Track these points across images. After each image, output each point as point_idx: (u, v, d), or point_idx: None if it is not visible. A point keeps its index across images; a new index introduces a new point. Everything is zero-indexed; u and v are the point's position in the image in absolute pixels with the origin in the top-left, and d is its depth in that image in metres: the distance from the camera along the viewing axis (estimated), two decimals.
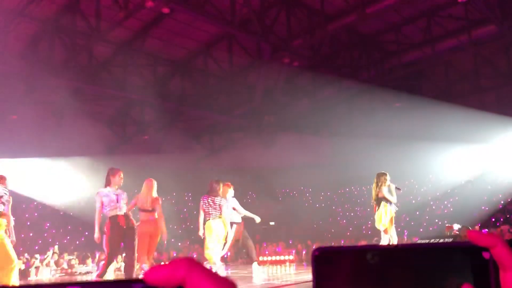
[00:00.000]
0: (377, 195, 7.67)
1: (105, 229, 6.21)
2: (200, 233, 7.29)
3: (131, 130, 16.00)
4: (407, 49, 14.45)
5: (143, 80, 13.57)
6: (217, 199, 7.29)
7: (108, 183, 6.37)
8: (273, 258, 14.17)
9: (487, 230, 11.12)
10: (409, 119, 14.55)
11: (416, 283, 0.37)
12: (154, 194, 6.80)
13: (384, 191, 7.60)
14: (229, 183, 7.80)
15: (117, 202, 6.25)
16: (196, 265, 0.33)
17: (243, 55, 13.96)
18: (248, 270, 9.72)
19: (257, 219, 7.80)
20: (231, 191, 7.75)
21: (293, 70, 14.63)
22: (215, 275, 0.34)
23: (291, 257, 14.18)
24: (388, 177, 7.78)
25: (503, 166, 15.17)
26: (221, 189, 7.44)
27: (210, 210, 7.26)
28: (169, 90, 14.44)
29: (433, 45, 13.81)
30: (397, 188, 7.80)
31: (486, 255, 0.38)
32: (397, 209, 7.69)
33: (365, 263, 0.38)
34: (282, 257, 14.18)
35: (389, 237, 7.65)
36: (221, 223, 7.24)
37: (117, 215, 6.19)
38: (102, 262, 6.61)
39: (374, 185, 7.77)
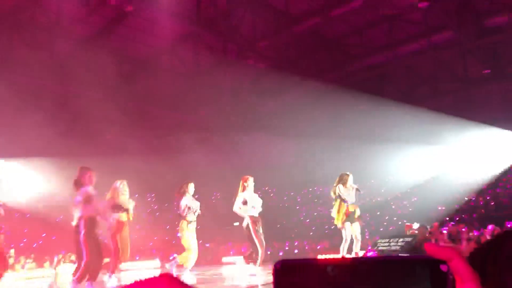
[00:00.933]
0: (334, 193, 8.00)
1: (83, 229, 6.03)
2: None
3: (94, 130, 15.67)
4: (370, 52, 14.81)
5: (106, 78, 13.32)
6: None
7: (82, 183, 6.19)
8: (238, 258, 14.18)
9: (446, 228, 11.51)
10: (371, 121, 14.91)
11: None
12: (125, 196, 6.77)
13: (339, 190, 7.92)
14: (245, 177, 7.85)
15: (93, 201, 6.11)
16: (176, 282, 0.32)
17: (209, 55, 13.94)
18: (211, 272, 9.73)
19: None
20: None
21: (259, 71, 14.73)
22: None
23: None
24: (350, 178, 8.05)
25: (459, 167, 15.75)
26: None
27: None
28: (133, 89, 14.24)
29: (395, 49, 14.21)
30: (357, 190, 8.06)
31: (444, 267, 0.39)
32: (351, 206, 7.94)
33: (325, 276, 0.38)
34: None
35: (345, 234, 7.90)
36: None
37: (94, 216, 6.10)
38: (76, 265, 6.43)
39: (334, 183, 8.08)
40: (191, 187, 7.60)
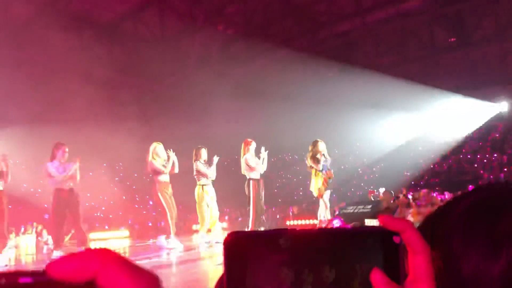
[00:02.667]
0: (308, 163, 8.09)
1: (52, 200, 6.61)
2: None
3: (56, 98, 15.15)
4: (339, 20, 14.74)
5: (67, 44, 12.79)
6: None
7: (53, 157, 6.70)
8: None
9: (411, 193, 11.83)
10: (339, 88, 14.96)
11: (327, 266, 0.38)
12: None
13: (309, 161, 8.04)
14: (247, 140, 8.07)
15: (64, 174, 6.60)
16: (113, 257, 0.29)
17: (176, 21, 13.54)
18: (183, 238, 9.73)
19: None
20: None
21: (227, 38, 14.46)
22: (135, 269, 0.29)
23: (224, 225, 14.35)
24: (321, 144, 8.13)
25: (425, 134, 16.12)
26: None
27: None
28: (96, 56, 13.75)
29: (363, 16, 14.18)
30: (324, 157, 8.14)
31: (396, 239, 0.39)
32: (329, 173, 8.05)
33: (277, 247, 0.38)
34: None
35: (323, 202, 8.05)
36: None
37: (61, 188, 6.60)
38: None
39: (307, 154, 8.16)
40: (203, 153, 7.94)
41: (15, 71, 12.82)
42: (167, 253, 7.02)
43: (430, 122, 16.09)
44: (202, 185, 7.85)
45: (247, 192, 7.84)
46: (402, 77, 14.56)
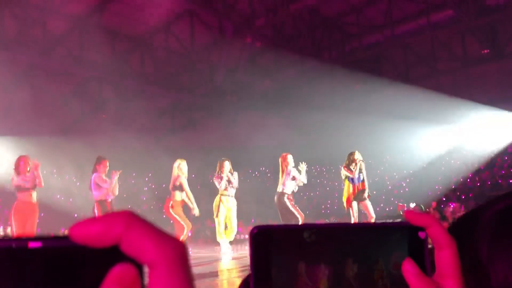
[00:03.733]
0: (342, 175, 8.15)
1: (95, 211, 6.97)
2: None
3: (88, 109, 15.53)
4: (368, 31, 14.63)
5: (101, 56, 13.12)
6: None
7: (95, 170, 7.16)
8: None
9: (442, 206, 11.57)
10: (369, 100, 14.81)
11: (352, 260, 0.38)
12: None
13: (344, 171, 8.03)
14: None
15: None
16: (137, 220, 0.28)
17: (205, 33, 13.73)
18: (207, 249, 9.76)
19: None
20: None
21: (255, 50, 14.55)
22: (160, 234, 0.28)
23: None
24: (356, 155, 8.14)
25: (458, 147, 15.75)
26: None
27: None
28: (128, 67, 14.06)
29: (393, 28, 14.04)
30: (362, 161, 8.13)
31: (422, 234, 0.39)
32: (359, 185, 8.01)
33: (302, 241, 0.38)
34: (242, 236, 14.27)
35: (351, 214, 8.02)
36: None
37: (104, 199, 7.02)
38: None
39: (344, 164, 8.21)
40: (226, 165, 8.28)
41: (50, 82, 13.24)
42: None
43: (462, 136, 15.71)
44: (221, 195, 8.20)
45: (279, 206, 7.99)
46: (433, 89, 14.31)
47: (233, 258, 7.79)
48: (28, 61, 11.77)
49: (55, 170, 13.45)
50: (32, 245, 0.27)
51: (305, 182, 8.03)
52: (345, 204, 8.07)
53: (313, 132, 16.18)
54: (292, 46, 14.57)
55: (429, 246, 0.40)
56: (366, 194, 8.03)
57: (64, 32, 12.68)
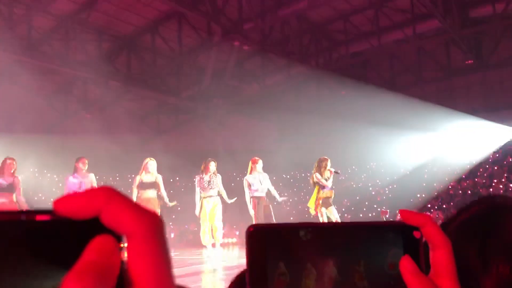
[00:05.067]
0: (312, 179, 8.18)
1: None
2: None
3: (73, 108, 15.36)
4: (355, 39, 14.77)
5: (87, 55, 12.99)
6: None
7: (75, 170, 7.38)
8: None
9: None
10: (354, 107, 14.92)
11: (347, 259, 0.38)
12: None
13: (316, 177, 8.09)
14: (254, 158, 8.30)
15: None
16: (116, 194, 0.29)
17: (193, 36, 13.70)
18: (192, 252, 9.70)
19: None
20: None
21: (243, 54, 14.56)
22: (137, 207, 0.29)
23: (234, 240, 14.26)
24: (328, 163, 8.15)
25: (440, 156, 15.95)
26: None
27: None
28: (114, 67, 13.94)
29: (379, 36, 14.18)
30: (336, 172, 8.16)
31: (417, 234, 0.39)
32: (328, 192, 8.09)
33: (298, 240, 0.38)
34: (226, 240, 14.22)
35: (321, 220, 8.07)
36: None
37: None
38: None
39: (313, 170, 8.23)
40: (211, 166, 8.30)
41: (34, 81, 13.04)
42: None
43: (445, 144, 15.91)
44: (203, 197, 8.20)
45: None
46: (417, 97, 14.49)
47: (218, 261, 7.74)
48: (12, 59, 11.59)
49: (36, 169, 13.25)
50: (18, 217, 0.28)
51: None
52: (312, 210, 8.23)
53: (299, 137, 16.24)
54: (280, 51, 14.62)
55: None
56: (331, 200, 8.22)
57: (50, 30, 12.53)
